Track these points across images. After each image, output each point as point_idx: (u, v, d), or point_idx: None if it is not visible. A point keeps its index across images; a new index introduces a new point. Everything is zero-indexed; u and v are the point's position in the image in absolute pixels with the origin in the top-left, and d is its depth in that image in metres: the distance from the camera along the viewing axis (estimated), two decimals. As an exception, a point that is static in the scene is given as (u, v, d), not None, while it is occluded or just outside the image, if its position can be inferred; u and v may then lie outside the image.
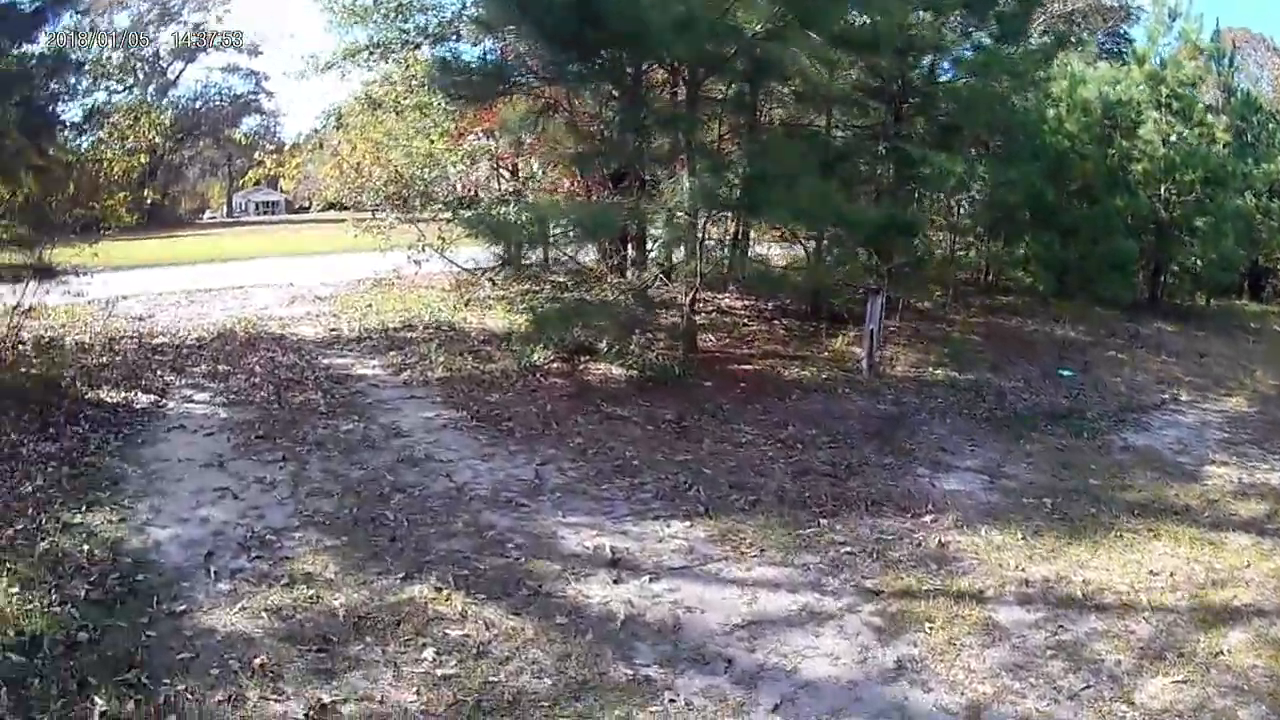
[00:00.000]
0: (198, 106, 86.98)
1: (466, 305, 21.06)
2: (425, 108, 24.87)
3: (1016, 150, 20.20)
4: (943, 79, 19.26)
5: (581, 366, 14.90)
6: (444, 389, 13.79)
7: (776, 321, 18.94)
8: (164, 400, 13.31)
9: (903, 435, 12.72)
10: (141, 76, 73.97)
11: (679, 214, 14.71)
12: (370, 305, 21.90)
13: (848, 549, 9.55)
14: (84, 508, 9.74)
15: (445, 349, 15.83)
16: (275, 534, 9.06)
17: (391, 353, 16.03)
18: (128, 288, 24.12)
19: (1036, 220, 20.99)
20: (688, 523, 9.78)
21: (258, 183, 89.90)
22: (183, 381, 15.03)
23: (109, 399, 13.77)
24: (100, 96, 18.46)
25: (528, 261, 16.01)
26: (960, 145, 19.36)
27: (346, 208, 29.40)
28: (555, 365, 14.87)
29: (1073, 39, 30.19)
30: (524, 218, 15.41)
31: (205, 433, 11.81)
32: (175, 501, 9.74)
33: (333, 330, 18.35)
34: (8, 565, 8.25)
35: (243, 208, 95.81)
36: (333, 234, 43.96)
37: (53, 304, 17.19)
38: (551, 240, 16.87)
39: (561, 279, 18.27)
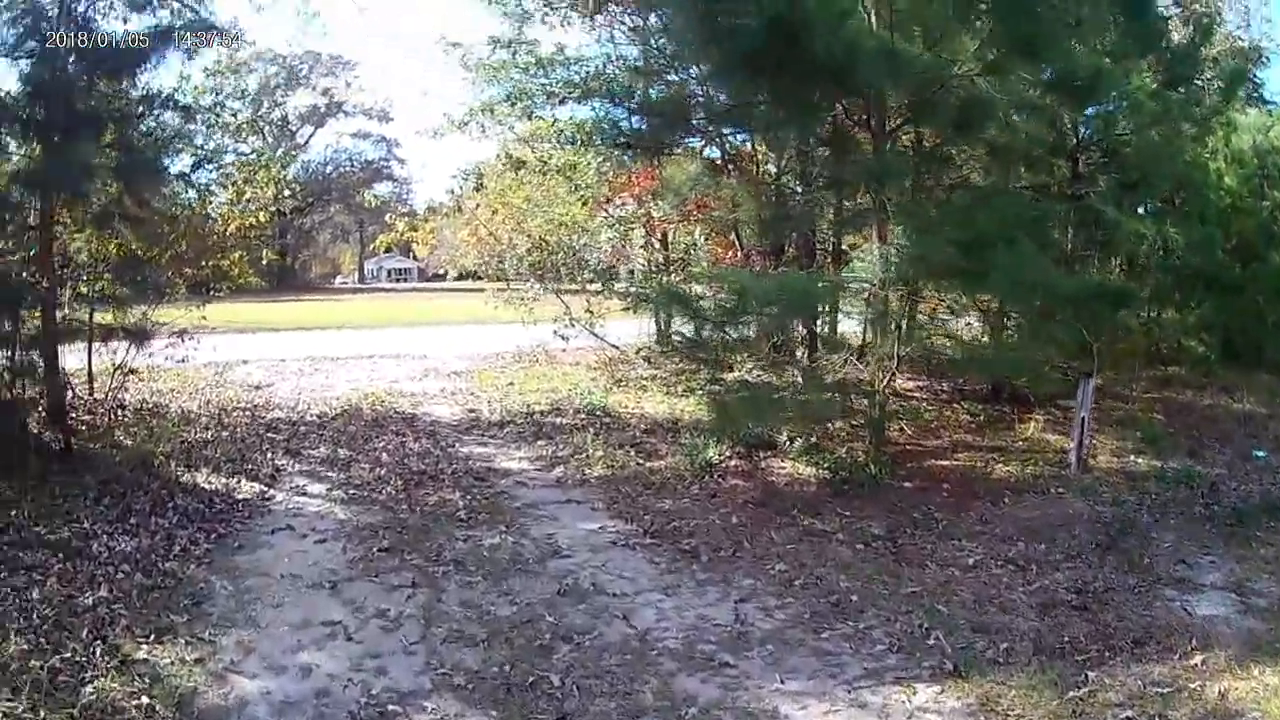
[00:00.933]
0: (328, 171, 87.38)
1: (618, 386, 19.35)
2: (573, 168, 23.27)
3: (1194, 207, 18.52)
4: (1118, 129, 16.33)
5: (763, 465, 12.77)
6: (605, 491, 11.77)
7: (956, 405, 16.73)
8: (272, 491, 11.64)
9: (1135, 545, 10.24)
10: (270, 139, 73.45)
11: (876, 286, 12.57)
12: (511, 383, 20.10)
13: (1127, 714, 7.14)
14: (152, 635, 7.59)
15: (602, 439, 14.12)
16: (399, 700, 6.74)
17: (540, 442, 14.36)
18: (249, 351, 23.67)
19: (1206, 282, 18.90)
20: (936, 687, 7.24)
21: (388, 249, 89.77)
22: (297, 467, 13.11)
23: (207, 485, 11.79)
24: (213, 146, 15.88)
25: (710, 340, 13.26)
26: (1136, 203, 17.93)
27: (481, 277, 27.38)
28: (733, 463, 12.77)
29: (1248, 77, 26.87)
30: (720, 292, 12.92)
31: (317, 538, 9.96)
32: (271, 638, 7.74)
33: (471, 411, 16.94)
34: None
35: (374, 274, 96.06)
36: (468, 303, 42.36)
37: (166, 366, 15.86)
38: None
39: (748, 363, 15.50)
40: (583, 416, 15.91)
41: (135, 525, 9.97)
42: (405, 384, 19.72)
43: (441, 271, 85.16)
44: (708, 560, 9.48)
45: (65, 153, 11.31)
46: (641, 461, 13.09)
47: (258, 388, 19.47)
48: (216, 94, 17.28)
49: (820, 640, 8.00)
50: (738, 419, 12.90)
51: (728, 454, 12.98)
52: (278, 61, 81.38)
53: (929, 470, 12.90)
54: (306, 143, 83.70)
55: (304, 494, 11.58)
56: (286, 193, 19.82)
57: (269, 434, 14.86)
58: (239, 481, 11.95)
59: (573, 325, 21.64)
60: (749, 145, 18.58)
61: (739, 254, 19.64)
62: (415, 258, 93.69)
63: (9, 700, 6.45)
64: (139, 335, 13.45)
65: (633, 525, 10.49)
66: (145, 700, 6.62)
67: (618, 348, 22.09)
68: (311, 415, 16.49)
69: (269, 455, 13.43)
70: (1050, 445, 13.99)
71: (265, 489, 11.62)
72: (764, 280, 13.15)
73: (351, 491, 11.61)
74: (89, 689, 6.65)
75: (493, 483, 12.15)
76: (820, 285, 13.50)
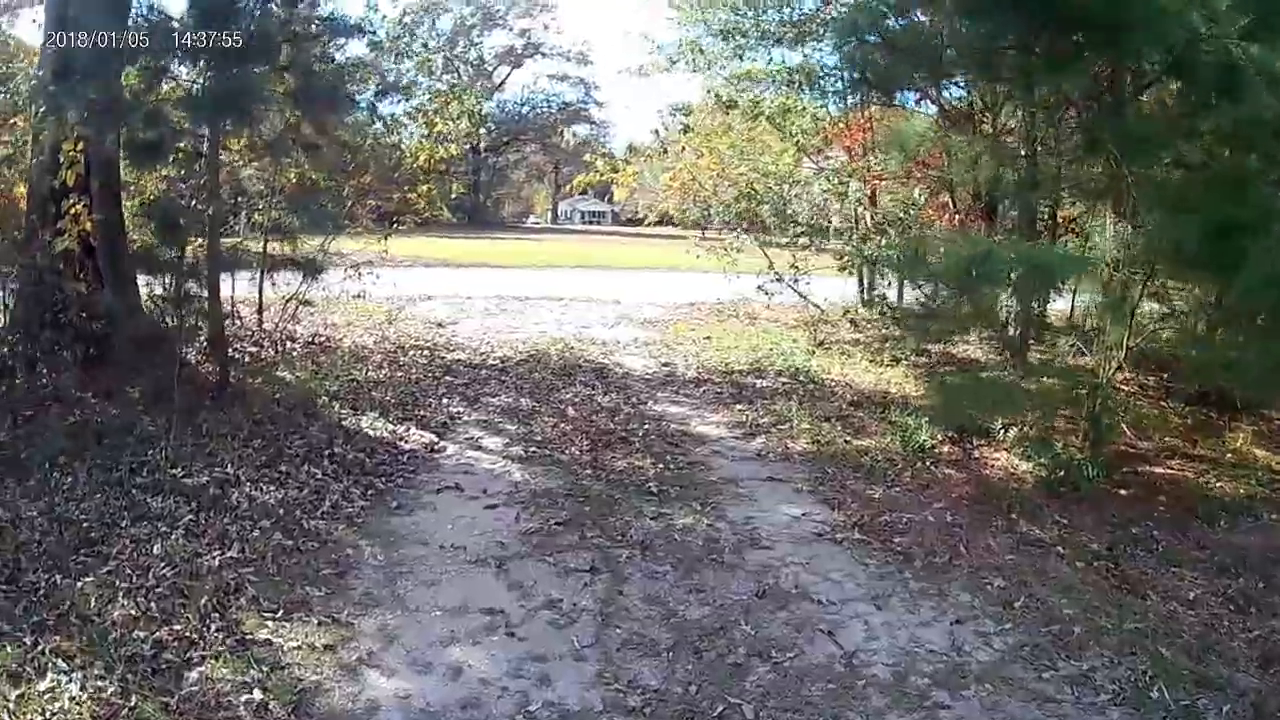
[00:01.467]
0: (524, 111, 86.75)
1: (820, 348, 17.83)
2: (786, 113, 21.65)
3: None
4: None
5: (975, 454, 11.38)
6: (810, 470, 10.48)
7: (1164, 404, 14.60)
8: (443, 442, 10.78)
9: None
10: (465, 79, 73.23)
11: (1109, 266, 10.93)
12: (709, 337, 18.89)
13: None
14: (280, 610, 6.51)
15: (806, 409, 12.82)
16: (562, 724, 5.67)
17: (739, 406, 13.11)
18: (434, 287, 23.17)
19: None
20: (1161, 760, 6.13)
21: (584, 191, 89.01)
22: (473, 416, 12.09)
23: (371, 431, 10.80)
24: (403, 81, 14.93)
25: (943, 309, 11.69)
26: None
27: (678, 224, 26.05)
28: (945, 449, 11.37)
29: None
30: (960, 254, 11.35)
31: (488, 503, 8.95)
32: (419, 625, 6.58)
33: (665, 365, 15.97)
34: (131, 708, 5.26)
35: (568, 215, 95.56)
36: (664, 250, 41.09)
37: (344, 299, 15.64)
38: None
39: (973, 339, 14.72)
40: (784, 380, 14.70)
41: (284, 474, 9.02)
42: (596, 330, 18.97)
43: (639, 216, 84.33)
44: (922, 567, 8.19)
45: (234, 77, 10.31)
46: (849, 439, 11.68)
47: (440, 325, 18.60)
48: (409, 30, 16.31)
49: (1042, 682, 6.63)
50: (962, 407, 11.45)
51: (940, 438, 11.55)
52: (474, 2, 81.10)
53: (1145, 478, 11.24)
54: (503, 83, 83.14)
55: (478, 448, 10.66)
56: (481, 130, 18.67)
57: (446, 377, 13.91)
58: (408, 429, 11.00)
59: (779, 280, 20.01)
60: (969, 103, 16.76)
61: (953, 217, 18.79)
62: (611, 201, 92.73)
63: (100, 678, 5.46)
64: (310, 268, 12.64)
65: (840, 515, 9.20)
66: (258, 695, 5.52)
67: (819, 307, 20.49)
68: (494, 359, 15.55)
69: (444, 401, 12.47)
70: (1260, 461, 12.15)
71: (436, 439, 10.76)
72: (1005, 248, 11.39)
73: (531, 449, 10.59)
74: (194, 673, 5.65)
75: (687, 449, 11.00)
76: (1067, 259, 11.60)
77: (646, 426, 11.75)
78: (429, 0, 71.90)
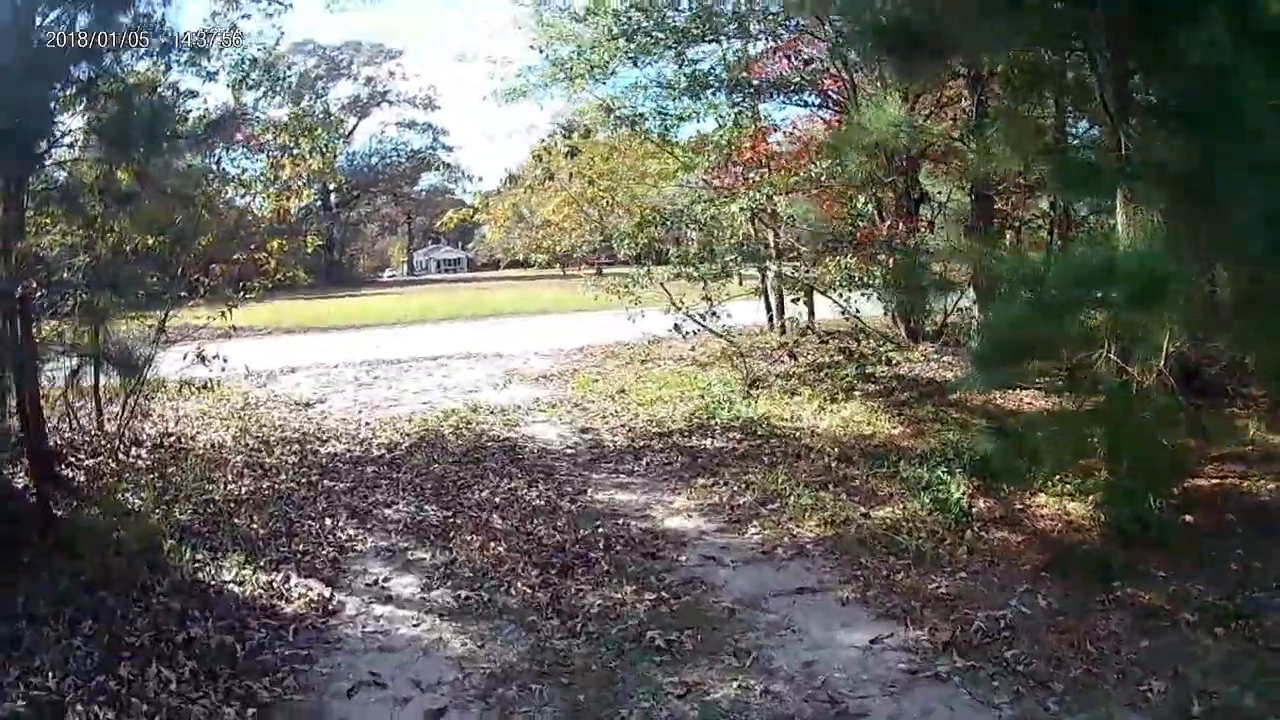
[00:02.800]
0: (374, 162, 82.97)
1: (754, 388, 15.39)
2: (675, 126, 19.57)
3: None
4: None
5: (1014, 503, 9.30)
6: (841, 566, 8.04)
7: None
8: (338, 595, 7.64)
9: None
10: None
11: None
12: (623, 390, 16.10)
13: None
14: None
15: (785, 472, 10.61)
16: None
17: (701, 480, 10.60)
18: (297, 355, 21.05)
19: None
20: None
21: (438, 240, 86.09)
22: (370, 542, 8.89)
23: (238, 587, 7.56)
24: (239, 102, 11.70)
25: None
26: None
27: (552, 262, 23.16)
28: (980, 503, 9.23)
29: None
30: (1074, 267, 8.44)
31: (427, 705, 5.85)
32: None
33: (585, 433, 13.35)
34: None
35: (424, 266, 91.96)
36: (529, 292, 38.28)
37: (198, 377, 12.57)
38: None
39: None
40: (739, 436, 12.39)
41: (124, 686, 5.74)
42: (488, 394, 16.32)
43: (495, 260, 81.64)
44: (1064, 690, 5.90)
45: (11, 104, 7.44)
46: (864, 510, 9.28)
47: (307, 405, 15.59)
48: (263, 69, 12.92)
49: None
50: (1038, 455, 8.61)
51: (967, 489, 9.46)
52: (317, 53, 77.28)
53: (1196, 494, 9.26)
54: (350, 134, 79.13)
55: (388, 598, 7.56)
56: (334, 169, 15.41)
57: (325, 481, 10.78)
58: (287, 579, 7.78)
59: (688, 316, 16.93)
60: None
61: (880, 226, 16.61)
62: (466, 248, 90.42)
63: None
64: (122, 364, 9.47)
65: (919, 632, 6.70)
66: None
67: (733, 342, 17.91)
68: (379, 446, 12.52)
69: (328, 522, 9.26)
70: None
71: (327, 591, 7.59)
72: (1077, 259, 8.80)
73: (462, 591, 7.59)
74: None
75: (670, 560, 8.32)
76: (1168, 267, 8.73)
77: (602, 529, 8.94)
78: (273, 55, 67.84)
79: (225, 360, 12.00)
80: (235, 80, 12.72)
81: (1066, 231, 12.59)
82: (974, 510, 9.01)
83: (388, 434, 13.09)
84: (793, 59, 18.94)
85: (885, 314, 17.94)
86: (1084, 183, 9.52)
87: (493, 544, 8.60)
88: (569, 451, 12.31)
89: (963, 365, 14.71)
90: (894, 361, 15.50)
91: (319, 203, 72.66)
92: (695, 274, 16.02)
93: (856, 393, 14.08)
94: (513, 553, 8.37)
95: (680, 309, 16.78)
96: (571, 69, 18.82)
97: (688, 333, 17.15)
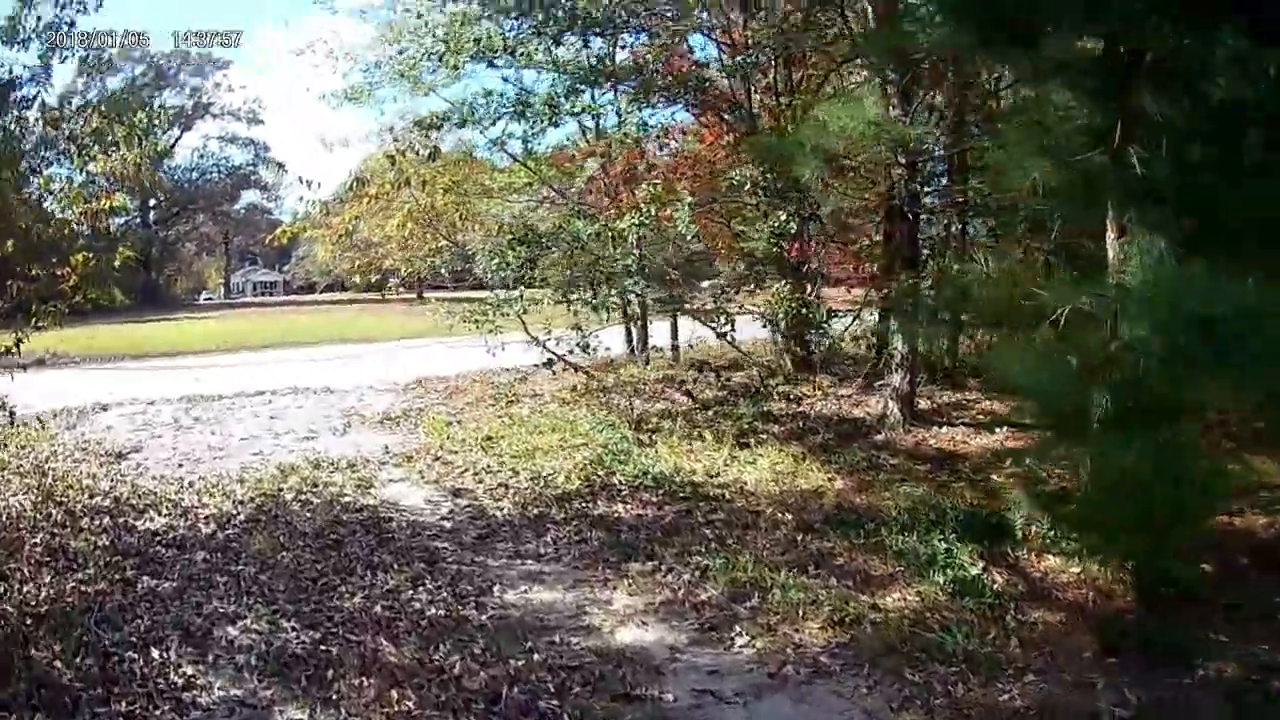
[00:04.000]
0: (194, 178, 77.35)
1: (638, 430, 13.30)
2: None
3: None
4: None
5: (1014, 563, 8.26)
6: (882, 686, 6.05)
7: None
8: None
9: None
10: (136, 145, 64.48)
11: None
12: (488, 437, 13.32)
13: None
14: None
15: (743, 552, 8.48)
16: None
17: (638, 566, 8.34)
18: (111, 389, 17.72)
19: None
20: None
21: (256, 257, 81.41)
22: (218, 691, 5.88)
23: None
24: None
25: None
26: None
27: (345, 288, 20.64)
28: (988, 574, 7.86)
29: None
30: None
31: None
32: None
33: (458, 495, 10.70)
34: None
35: (240, 288, 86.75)
36: (350, 318, 35.96)
37: None
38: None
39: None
40: (655, 498, 10.22)
41: None
42: (327, 441, 13.48)
43: (312, 283, 77.54)
44: None
45: None
46: (871, 599, 7.43)
47: (121, 456, 12.44)
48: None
49: None
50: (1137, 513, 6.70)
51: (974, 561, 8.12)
52: (146, 59, 71.78)
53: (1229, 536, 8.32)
54: (173, 147, 73.58)
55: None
56: (150, 173, 12.18)
57: (145, 578, 7.66)
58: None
59: (548, 350, 15.11)
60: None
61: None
62: (284, 270, 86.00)
63: None
64: None
65: None
66: None
67: (592, 375, 16.17)
68: (209, 519, 9.49)
69: (154, 653, 6.23)
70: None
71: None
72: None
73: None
74: None
75: (654, 702, 5.86)
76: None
77: (539, 656, 6.38)
78: (97, 59, 62.38)
79: (9, 416, 8.81)
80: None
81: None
82: (995, 587, 7.64)
83: (217, 500, 10.12)
84: (677, 60, 16.15)
85: (775, 342, 16.55)
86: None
87: (393, 691, 5.77)
88: (448, 526, 9.61)
89: (870, 398, 14.06)
90: (793, 397, 14.18)
91: (138, 219, 67.68)
92: (589, 301, 14.13)
93: (764, 435, 12.49)
94: (428, 710, 5.61)
95: (539, 342, 14.89)
96: (415, 66, 15.82)
97: (559, 368, 15.40)
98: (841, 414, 13.73)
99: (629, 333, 18.80)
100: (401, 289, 63.28)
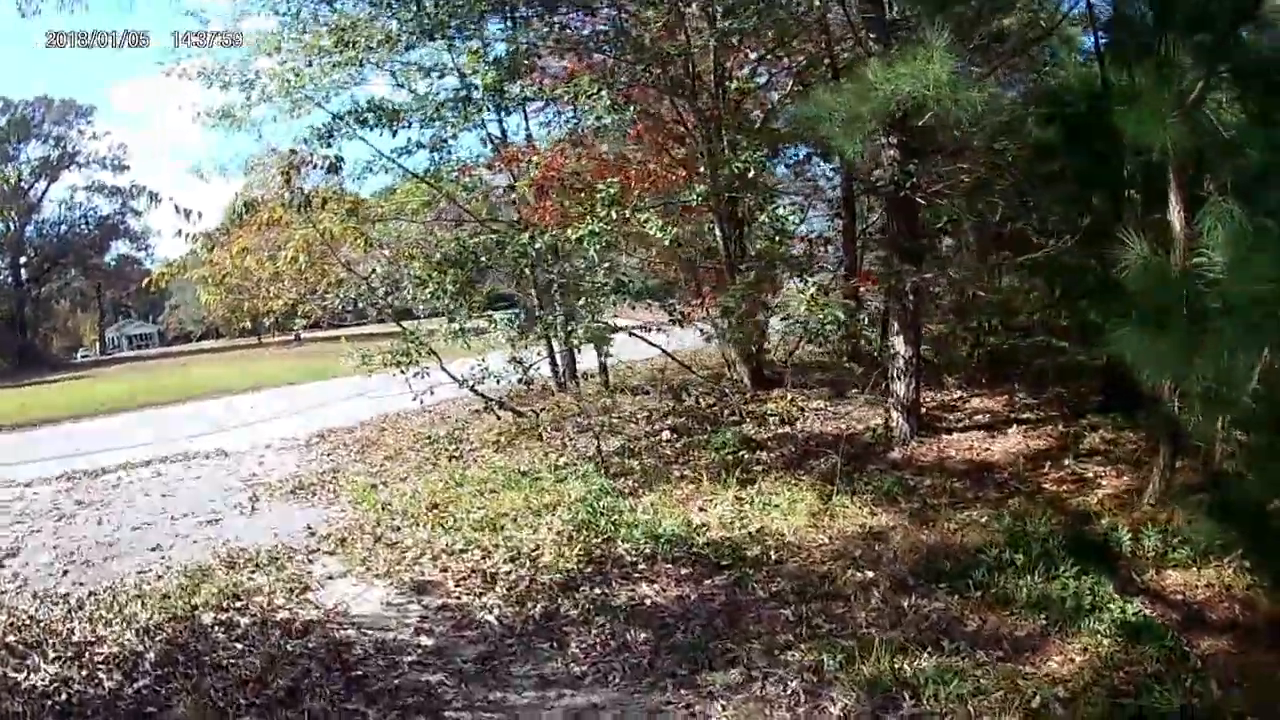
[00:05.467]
0: (63, 231, 71.91)
1: (616, 477, 10.76)
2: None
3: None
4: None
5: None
6: None
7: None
8: None
9: None
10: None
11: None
12: (434, 505, 10.40)
13: None
14: None
15: (836, 626, 6.57)
16: None
17: (718, 676, 5.95)
18: None
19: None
20: None
21: (129, 309, 76.48)
22: None
23: None
24: None
25: None
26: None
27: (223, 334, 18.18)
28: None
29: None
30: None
31: None
32: None
33: (423, 592, 7.95)
34: None
35: (115, 343, 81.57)
36: (231, 366, 37.27)
37: None
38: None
39: None
40: (688, 570, 7.89)
41: None
42: (236, 524, 10.61)
43: (186, 333, 73.51)
44: None
45: None
46: (1034, 669, 5.79)
47: (-15, 566, 9.34)
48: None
49: None
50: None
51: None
52: (8, 111, 66.28)
53: None
54: (40, 200, 68.30)
55: None
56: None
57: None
58: None
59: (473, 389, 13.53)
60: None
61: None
62: (155, 321, 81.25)
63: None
64: None
65: None
66: None
67: (519, 411, 14.14)
68: (111, 665, 6.58)
69: None
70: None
71: None
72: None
73: None
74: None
75: None
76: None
77: None
78: None
79: None
80: None
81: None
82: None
83: (116, 630, 7.18)
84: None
85: (725, 356, 14.45)
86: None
87: None
88: (429, 644, 6.86)
89: (852, 409, 12.42)
90: (771, 416, 12.27)
91: (9, 277, 62.69)
92: (556, 324, 12.00)
93: (757, 466, 10.49)
94: None
95: (466, 383, 13.29)
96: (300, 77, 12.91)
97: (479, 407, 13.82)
98: (834, 431, 11.61)
99: (553, 358, 16.15)
100: (276, 332, 59.97)
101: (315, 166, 11.76)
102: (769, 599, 7.10)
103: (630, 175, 12.48)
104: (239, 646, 6.76)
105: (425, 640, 6.92)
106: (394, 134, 13.34)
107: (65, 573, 9.11)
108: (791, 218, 12.06)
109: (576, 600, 7.32)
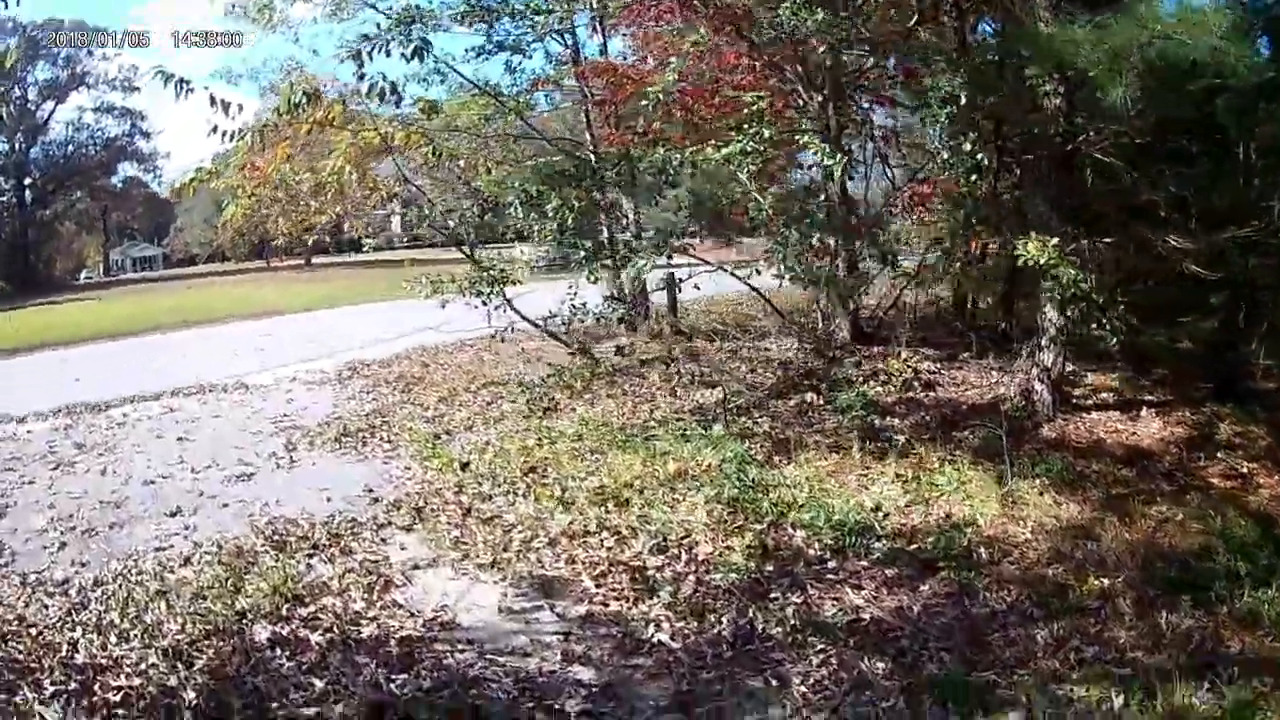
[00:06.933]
0: (70, 152, 68.70)
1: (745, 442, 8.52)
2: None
3: None
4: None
5: None
6: None
7: None
8: None
9: None
10: (6, 119, 56.50)
11: None
12: (531, 468, 8.24)
13: None
14: None
15: (1102, 646, 5.38)
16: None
17: None
18: None
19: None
20: None
21: (133, 236, 73.68)
22: None
23: None
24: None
25: None
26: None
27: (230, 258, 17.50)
28: None
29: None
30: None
31: None
32: None
33: (550, 590, 5.80)
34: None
35: (120, 264, 78.74)
36: (241, 291, 34.92)
37: None
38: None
39: None
40: (895, 571, 6.16)
41: None
42: (273, 481, 8.35)
43: (192, 256, 71.29)
44: None
45: None
46: None
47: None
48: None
49: None
50: None
51: None
52: (17, 31, 62.90)
53: None
54: (47, 121, 65.02)
55: None
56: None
57: None
58: None
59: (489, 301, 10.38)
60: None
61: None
62: (161, 243, 78.31)
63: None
64: None
65: None
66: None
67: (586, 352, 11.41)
68: (137, 708, 4.41)
69: None
70: None
71: None
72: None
73: None
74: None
75: None
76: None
77: None
78: None
79: None
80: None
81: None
82: None
83: (134, 652, 4.98)
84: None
85: (819, 305, 12.08)
86: None
87: None
88: (596, 682, 4.88)
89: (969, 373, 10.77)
90: (892, 376, 10.34)
91: (14, 199, 59.95)
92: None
93: (891, 433, 8.68)
94: None
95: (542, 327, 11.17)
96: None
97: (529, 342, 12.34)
98: (960, 398, 9.96)
99: (622, 294, 13.26)
100: (284, 256, 57.45)
101: (390, 54, 9.39)
102: (1008, 612, 5.73)
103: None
104: (317, 684, 4.53)
105: (584, 672, 4.89)
106: (491, 26, 11.14)
107: (62, 546, 6.89)
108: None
109: (772, 612, 5.44)
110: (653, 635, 5.13)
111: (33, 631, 5.24)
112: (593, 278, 9.94)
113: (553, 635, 5.16)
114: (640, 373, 11.05)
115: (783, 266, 9.11)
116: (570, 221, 9.57)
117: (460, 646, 5.01)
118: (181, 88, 7.58)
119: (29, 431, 10.67)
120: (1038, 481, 7.58)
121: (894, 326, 12.15)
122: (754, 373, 11.00)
